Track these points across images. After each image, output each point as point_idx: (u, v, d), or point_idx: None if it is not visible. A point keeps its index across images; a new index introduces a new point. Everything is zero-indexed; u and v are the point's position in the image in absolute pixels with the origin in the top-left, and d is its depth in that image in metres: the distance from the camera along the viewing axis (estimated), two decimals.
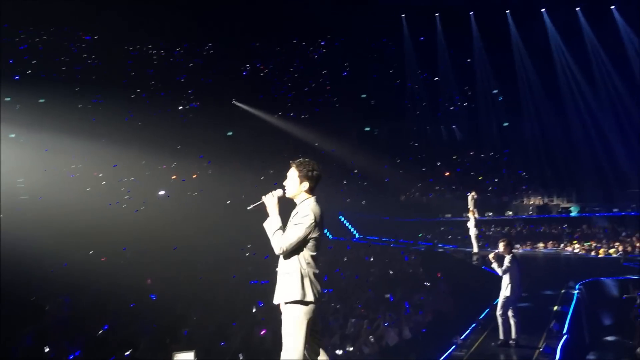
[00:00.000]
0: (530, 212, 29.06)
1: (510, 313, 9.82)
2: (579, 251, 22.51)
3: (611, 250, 21.36)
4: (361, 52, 32.67)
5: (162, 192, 28.34)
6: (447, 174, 33.76)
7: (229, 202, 28.23)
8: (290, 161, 4.71)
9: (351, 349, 11.65)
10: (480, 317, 12.38)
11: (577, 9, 28.17)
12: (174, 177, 30.06)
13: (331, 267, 19.31)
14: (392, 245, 24.84)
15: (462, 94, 34.23)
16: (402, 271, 18.93)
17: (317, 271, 4.48)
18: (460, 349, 10.43)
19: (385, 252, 23.32)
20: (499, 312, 9.94)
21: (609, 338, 13.34)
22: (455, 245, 23.34)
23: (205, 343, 10.88)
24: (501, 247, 10.04)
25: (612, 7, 27.48)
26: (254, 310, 13.28)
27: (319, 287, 4.43)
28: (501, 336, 9.94)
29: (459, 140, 35.58)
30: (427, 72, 33.70)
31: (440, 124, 35.57)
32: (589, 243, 23.03)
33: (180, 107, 31.68)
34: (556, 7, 28.63)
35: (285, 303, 4.52)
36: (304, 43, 32.96)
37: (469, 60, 32.27)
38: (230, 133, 32.47)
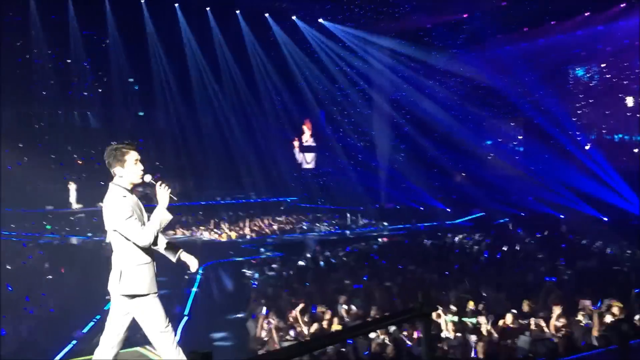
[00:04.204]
0: None
1: None
2: (207, 236, 24.19)
3: (232, 234, 23.60)
4: None
5: None
6: (79, 162, 32.08)
7: None
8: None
9: None
10: (106, 308, 12.25)
11: (208, 8, 29.75)
12: None
13: None
14: (13, 239, 22.49)
15: (98, 79, 32.89)
16: (21, 266, 17.34)
17: None
18: (82, 343, 10.17)
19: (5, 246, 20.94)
20: None
21: (227, 314, 14.61)
22: (86, 237, 22.51)
23: None
24: None
25: (237, 11, 29.94)
26: None
27: None
28: None
29: (93, 127, 34.19)
30: (58, 52, 31.24)
31: (73, 109, 33.56)
32: (215, 229, 24.96)
33: None
34: (189, 3, 29.60)
35: None
36: None
37: (104, 44, 31.15)
38: None
